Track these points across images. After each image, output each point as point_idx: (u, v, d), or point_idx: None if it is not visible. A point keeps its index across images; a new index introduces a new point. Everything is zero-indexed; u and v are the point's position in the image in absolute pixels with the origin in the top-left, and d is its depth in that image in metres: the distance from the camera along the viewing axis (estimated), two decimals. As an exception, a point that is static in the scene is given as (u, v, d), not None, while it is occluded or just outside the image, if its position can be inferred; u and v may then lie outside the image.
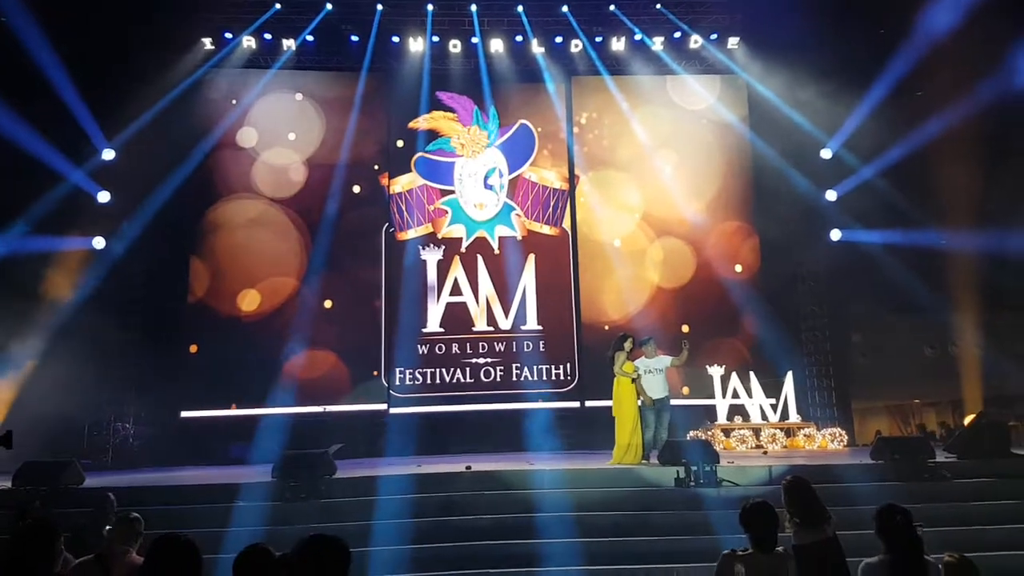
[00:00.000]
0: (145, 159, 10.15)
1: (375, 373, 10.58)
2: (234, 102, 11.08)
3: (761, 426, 9.68)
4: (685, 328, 10.89)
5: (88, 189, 10.14)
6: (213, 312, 10.50)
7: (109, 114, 10.15)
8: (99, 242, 10.10)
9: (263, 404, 9.94)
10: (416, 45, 11.24)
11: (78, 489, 6.39)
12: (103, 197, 10.25)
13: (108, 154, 10.25)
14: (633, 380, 7.43)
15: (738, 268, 11.21)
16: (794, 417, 9.85)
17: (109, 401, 9.84)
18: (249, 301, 10.60)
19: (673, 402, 10.22)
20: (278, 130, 11.09)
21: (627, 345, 7.58)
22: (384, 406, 10.48)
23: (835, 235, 10.92)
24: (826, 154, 11.09)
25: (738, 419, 9.84)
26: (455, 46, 11.30)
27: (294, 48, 11.15)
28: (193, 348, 10.42)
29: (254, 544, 2.61)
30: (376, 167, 11.23)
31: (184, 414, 10.18)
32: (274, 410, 9.94)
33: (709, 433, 9.58)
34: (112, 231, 10.09)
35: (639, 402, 7.41)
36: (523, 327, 10.90)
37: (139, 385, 10.14)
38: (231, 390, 10.14)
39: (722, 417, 9.79)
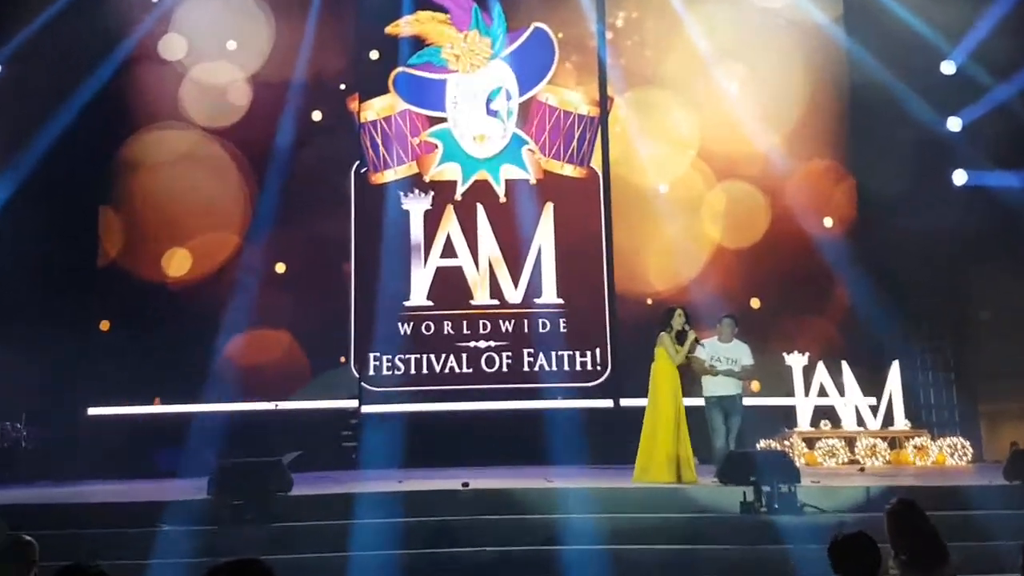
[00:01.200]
0: (38, 76, 10.07)
1: (342, 360, 10.57)
2: (154, 0, 10.89)
3: (857, 434, 9.67)
4: (755, 302, 10.78)
5: (-39, 116, 10.00)
6: (130, 278, 10.47)
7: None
8: (-23, 187, 10.00)
9: (196, 399, 9.92)
10: (398, -79, 11.01)
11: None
12: (-18, 126, 10.13)
13: (-8, 69, 10.13)
14: (716, 371, 7.49)
15: (828, 222, 11.06)
16: (901, 423, 9.83)
17: (-6, 395, 9.80)
18: (177, 264, 10.56)
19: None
20: (214, 37, 10.95)
21: (675, 322, 7.48)
22: (355, 403, 10.48)
23: (959, 178, 10.78)
24: (948, 68, 10.87)
25: (826, 424, 9.81)
26: (450, -78, 11.05)
27: (234, -74, 10.92)
28: (104, 325, 10.43)
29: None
30: (342, 87, 11.11)
31: (93, 411, 10.20)
32: (210, 407, 9.90)
33: (787, 443, 9.57)
34: (-3, 170, 9.98)
35: (701, 397, 7.37)
36: (538, 300, 10.84)
37: (34, 374, 10.07)
38: (154, 380, 10.16)
39: (804, 422, 9.76)
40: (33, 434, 9.86)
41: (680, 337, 7.57)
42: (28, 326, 10.09)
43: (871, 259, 10.70)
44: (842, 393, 9.78)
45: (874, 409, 9.76)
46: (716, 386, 7.66)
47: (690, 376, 7.90)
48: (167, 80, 10.88)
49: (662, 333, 7.58)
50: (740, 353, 7.73)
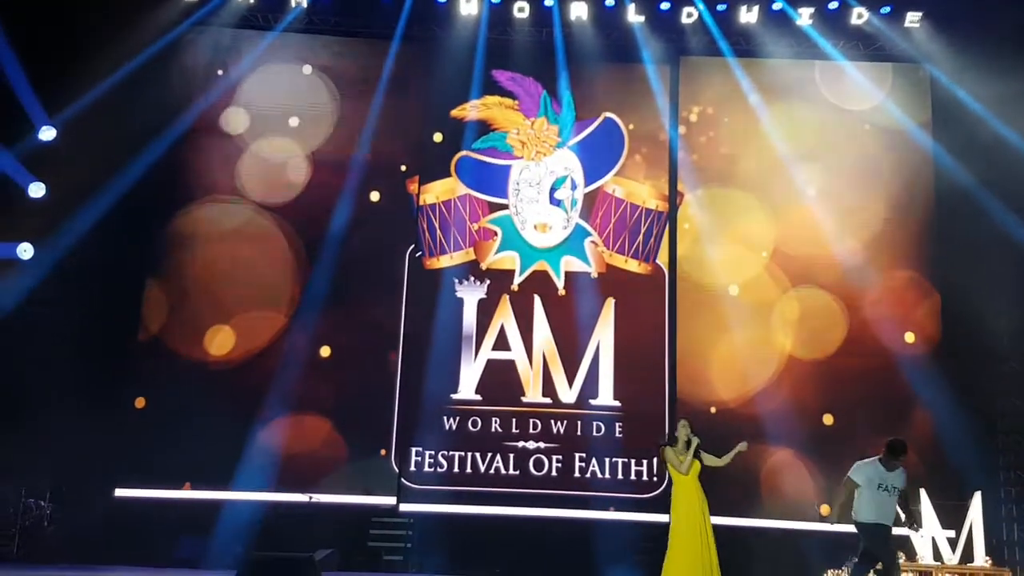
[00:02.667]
0: (96, 143, 10.40)
1: (383, 452, 10.57)
2: (220, 73, 11.45)
3: (934, 568, 9.31)
4: (828, 419, 10.62)
5: (17, 179, 10.48)
6: (170, 355, 10.67)
7: (52, 81, 10.54)
8: (26, 250, 10.40)
9: (227, 485, 9.99)
10: (469, 7, 11.48)
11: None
12: (36, 190, 10.59)
13: (47, 134, 10.61)
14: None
15: (909, 338, 10.92)
16: (981, 559, 9.42)
17: (19, 469, 9.98)
18: (220, 342, 10.75)
19: (806, 527, 10.09)
20: (277, 113, 11.40)
21: (680, 433, 7.34)
22: (393, 499, 10.43)
23: (1051, 296, 10.56)
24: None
25: (900, 557, 9.42)
26: (521, 10, 11.49)
27: (304, 4, 11.48)
28: (140, 402, 10.58)
29: None
30: (403, 168, 11.40)
31: (120, 492, 10.26)
32: (242, 495, 9.97)
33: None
34: (45, 236, 10.39)
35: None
36: (593, 402, 10.80)
37: (63, 449, 10.25)
38: (186, 463, 10.21)
39: (878, 553, 9.40)
40: (58, 514, 9.98)
41: (697, 451, 7.36)
42: (61, 398, 10.34)
43: (955, 381, 10.49)
44: (919, 524, 9.45)
45: (952, 543, 9.39)
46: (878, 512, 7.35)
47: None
48: (226, 153, 11.25)
49: (663, 447, 7.41)
50: (900, 480, 7.47)
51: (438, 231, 11.29)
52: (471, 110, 11.51)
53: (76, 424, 10.15)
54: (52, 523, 9.89)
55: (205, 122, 11.29)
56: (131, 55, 10.79)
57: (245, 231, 11.06)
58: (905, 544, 9.50)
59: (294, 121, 11.37)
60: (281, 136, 11.31)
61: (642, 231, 11.30)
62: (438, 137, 11.49)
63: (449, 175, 11.39)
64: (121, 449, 10.24)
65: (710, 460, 7.39)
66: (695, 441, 7.30)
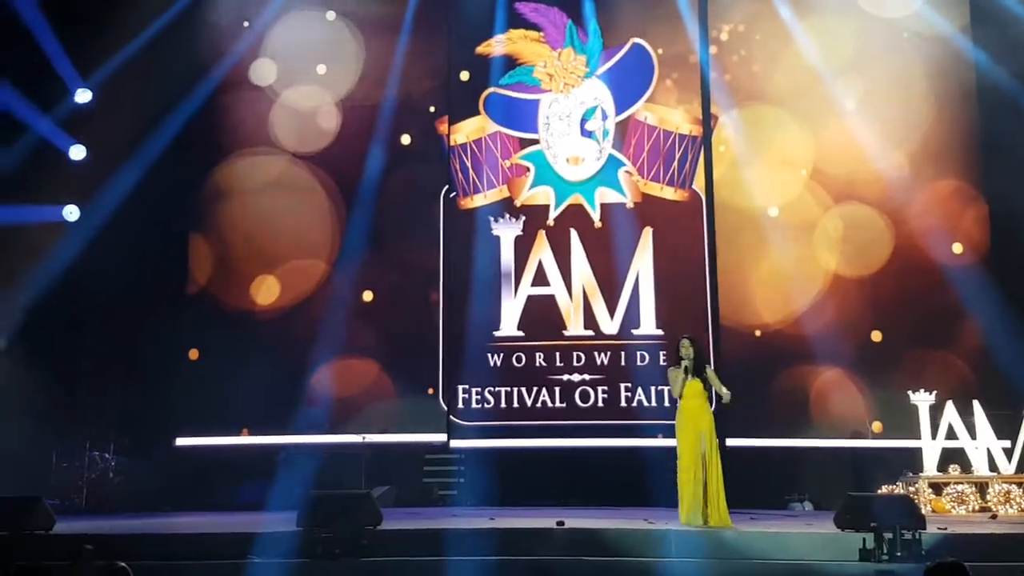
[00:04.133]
0: (130, 103, 10.52)
1: (430, 391, 10.73)
2: (246, 25, 11.43)
3: (990, 479, 9.33)
4: (876, 335, 10.51)
5: (58, 143, 10.67)
6: (219, 306, 10.89)
7: (85, 44, 10.68)
8: (71, 212, 10.64)
9: (284, 430, 10.26)
10: (489, -61, 11.32)
11: (47, 535, 6.75)
12: (77, 153, 10.79)
13: (83, 96, 10.78)
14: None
15: (957, 248, 10.73)
16: (1039, 468, 9.38)
17: (83, 423, 10.31)
18: (266, 292, 10.94)
19: (860, 444, 10.08)
20: (304, 62, 11.38)
21: (683, 352, 7.50)
22: (443, 437, 10.61)
23: (1102, 198, 10.29)
24: (1089, 80, 10.50)
25: (955, 469, 9.47)
26: (543, -62, 11.30)
27: (324, -51, 11.41)
28: (193, 354, 10.82)
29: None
30: (432, 109, 11.38)
31: (180, 442, 10.56)
32: (299, 438, 10.24)
33: (911, 488, 9.32)
34: (89, 198, 10.60)
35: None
36: (636, 332, 10.81)
37: (122, 403, 10.63)
38: (242, 411, 10.47)
39: (931, 466, 9.45)
40: (121, 465, 10.29)
41: (699, 370, 7.51)
42: (117, 354, 10.68)
43: (1006, 289, 10.32)
44: (973, 435, 9.43)
45: (1008, 453, 9.37)
46: None
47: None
48: (257, 106, 11.32)
49: (668, 368, 7.64)
50: None
51: (471, 170, 11.28)
52: (496, 45, 11.37)
53: (134, 378, 10.54)
54: (117, 474, 10.21)
55: (235, 76, 11.33)
56: (158, 13, 10.85)
57: (282, 181, 11.16)
58: (960, 456, 9.50)
59: (321, 68, 11.35)
60: (310, 84, 11.31)
61: (676, 157, 11.16)
62: (465, 75, 11.41)
63: (478, 113, 11.33)
64: (179, 399, 10.51)
65: (715, 380, 7.56)
66: (685, 363, 7.40)
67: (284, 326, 10.73)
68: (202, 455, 10.44)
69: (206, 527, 7.62)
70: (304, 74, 11.35)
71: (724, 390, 7.53)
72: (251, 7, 11.44)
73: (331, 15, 11.47)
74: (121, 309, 10.80)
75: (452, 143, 11.27)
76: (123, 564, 3.97)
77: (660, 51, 11.32)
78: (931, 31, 11.03)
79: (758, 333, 10.60)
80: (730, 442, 10.18)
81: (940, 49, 11.03)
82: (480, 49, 11.40)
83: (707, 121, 11.15)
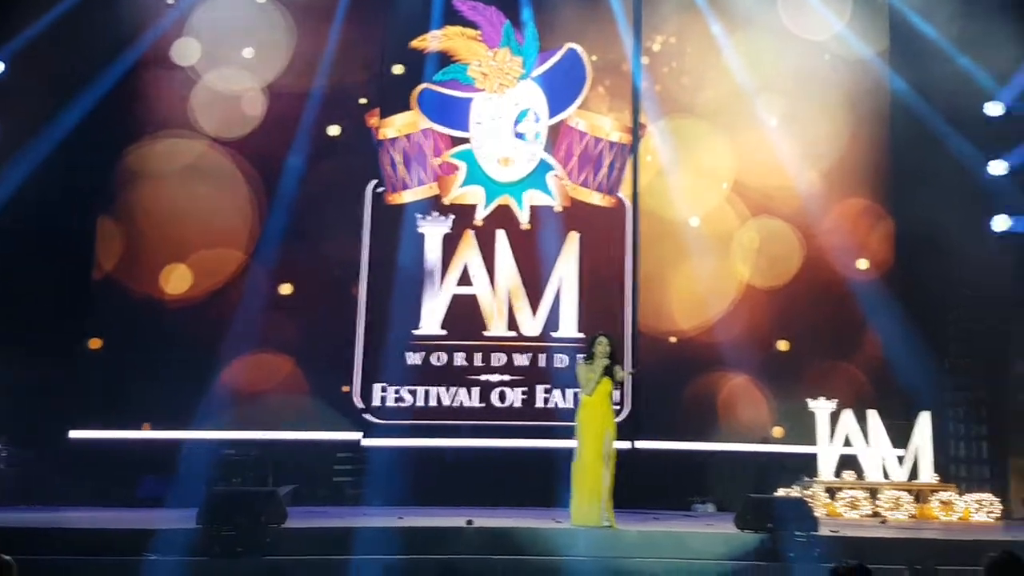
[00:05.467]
0: (45, 77, 10.20)
1: (345, 389, 10.60)
2: (170, 2, 11.12)
3: (881, 485, 9.74)
4: (783, 345, 10.87)
5: (-36, 115, 10.20)
6: (126, 293, 10.54)
7: (-1, 13, 10.24)
8: (-23, 188, 10.18)
9: (187, 425, 9.95)
10: (428, -68, 11.26)
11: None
12: (-12, 127, 10.34)
13: (-5, 68, 10.32)
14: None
15: (863, 264, 11.12)
16: (928, 475, 9.87)
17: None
18: (177, 280, 10.62)
19: (762, 449, 10.40)
20: (229, 44, 11.09)
21: (597, 350, 7.61)
22: (358, 435, 10.50)
23: (1000, 223, 10.90)
24: (995, 110, 11.00)
25: (849, 475, 9.86)
26: (481, -64, 11.30)
27: (256, -70, 11.15)
28: (95, 343, 10.47)
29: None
30: (363, 101, 11.23)
31: (76, 434, 10.18)
32: (203, 434, 9.93)
33: (808, 492, 9.65)
34: (-3, 174, 10.15)
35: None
36: (556, 334, 10.89)
37: (16, 391, 10.14)
38: (144, 404, 10.15)
39: (827, 472, 9.82)
40: (13, 456, 9.86)
41: (610, 369, 7.61)
42: (14, 339, 10.18)
43: (906, 305, 10.78)
44: (868, 442, 9.85)
45: (901, 461, 9.82)
46: None
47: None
48: (177, 86, 10.97)
49: (579, 363, 7.76)
50: None
51: (400, 166, 11.19)
52: (432, 41, 11.29)
53: (30, 366, 10.02)
54: (7, 465, 9.77)
55: (155, 54, 10.96)
56: (79, -16, 10.51)
57: (200, 166, 10.83)
58: (854, 462, 9.89)
59: (248, 52, 11.06)
60: (235, 68, 11.01)
61: (605, 164, 11.28)
62: (398, 69, 11.30)
63: (410, 108, 11.23)
64: (77, 391, 10.16)
65: (621, 375, 7.72)
66: (603, 363, 7.47)
67: (195, 317, 10.42)
68: (99, 449, 10.06)
69: (100, 522, 7.42)
70: (229, 57, 11.05)
71: (624, 373, 7.77)
72: (177, -17, 11.14)
73: (260, -4, 11.24)
74: (21, 291, 10.33)
75: (382, 137, 11.16)
76: (8, 557, 3.75)
77: (594, 58, 11.42)
78: (851, 54, 11.39)
79: (673, 339, 10.81)
80: (640, 444, 10.46)
81: (859, 72, 11.40)
82: (415, 43, 11.30)
83: (636, 129, 11.31)
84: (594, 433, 7.54)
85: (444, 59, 11.31)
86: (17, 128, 10.25)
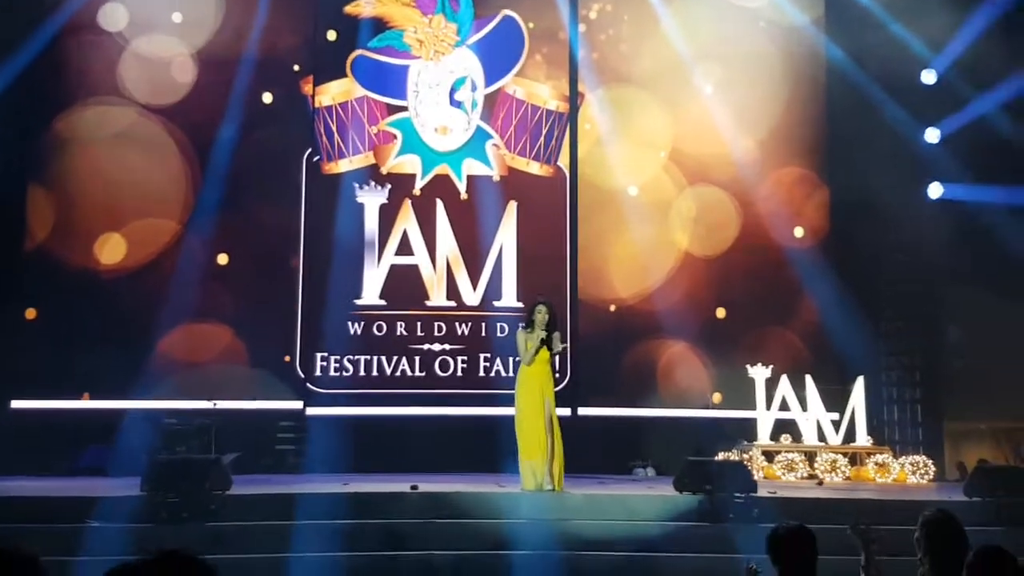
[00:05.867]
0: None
1: (287, 359, 10.70)
2: (96, -35, 10.93)
3: (817, 449, 10.04)
4: (720, 312, 11.23)
5: None
6: (59, 264, 10.45)
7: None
8: None
9: (127, 395, 9.98)
10: None
11: None
12: (-98, 96, 10.10)
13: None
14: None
15: (799, 232, 11.50)
16: (863, 439, 10.22)
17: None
18: (111, 250, 10.56)
19: (701, 414, 10.73)
20: (158, 8, 10.93)
21: (537, 319, 7.75)
22: (299, 404, 10.62)
23: (935, 191, 11.21)
24: (929, 78, 11.31)
25: (786, 439, 10.18)
26: (416, -100, 11.29)
27: None
28: (30, 313, 10.38)
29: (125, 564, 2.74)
30: (296, 68, 11.20)
31: (16, 404, 10.16)
32: (143, 403, 9.99)
33: (746, 456, 9.91)
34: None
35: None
36: (497, 303, 11.09)
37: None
38: (83, 374, 10.12)
39: (765, 436, 10.14)
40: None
41: (546, 340, 7.71)
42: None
43: (841, 272, 11.15)
44: (804, 408, 10.11)
45: (836, 425, 10.10)
46: None
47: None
48: (105, 53, 10.79)
49: (519, 330, 7.89)
50: None
51: (336, 134, 11.21)
52: (365, 6, 11.26)
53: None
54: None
55: (82, 19, 10.73)
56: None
57: (131, 134, 10.71)
58: (792, 427, 10.26)
59: (177, 17, 10.88)
60: (163, 33, 10.84)
61: (543, 133, 11.44)
62: (332, 35, 11.28)
63: (345, 75, 11.23)
64: (14, 361, 10.07)
65: (559, 347, 7.84)
66: (541, 334, 7.59)
67: (130, 287, 10.39)
68: (39, 419, 10.07)
69: (42, 491, 7.45)
70: (158, 22, 10.86)
71: (561, 345, 7.89)
72: (102, -54, 10.95)
73: (190, -39, 11.12)
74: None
75: (317, 104, 11.14)
76: (32, 550, 3.82)
77: (531, 25, 11.52)
78: (786, 21, 11.65)
79: (613, 307, 11.10)
80: (581, 411, 10.74)
81: (794, 40, 11.69)
82: (349, 8, 11.26)
83: (574, 98, 11.48)
84: (533, 400, 7.68)
85: (379, 25, 11.29)
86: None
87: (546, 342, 7.70)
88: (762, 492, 7.26)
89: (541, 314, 7.74)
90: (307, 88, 11.18)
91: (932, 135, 11.28)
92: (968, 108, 10.98)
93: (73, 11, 10.73)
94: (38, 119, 10.67)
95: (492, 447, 9.58)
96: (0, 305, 10.14)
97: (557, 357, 8.03)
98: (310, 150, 11.11)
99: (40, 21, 10.51)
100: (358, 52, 11.26)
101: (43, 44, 10.52)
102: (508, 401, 10.50)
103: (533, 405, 7.65)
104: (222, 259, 10.75)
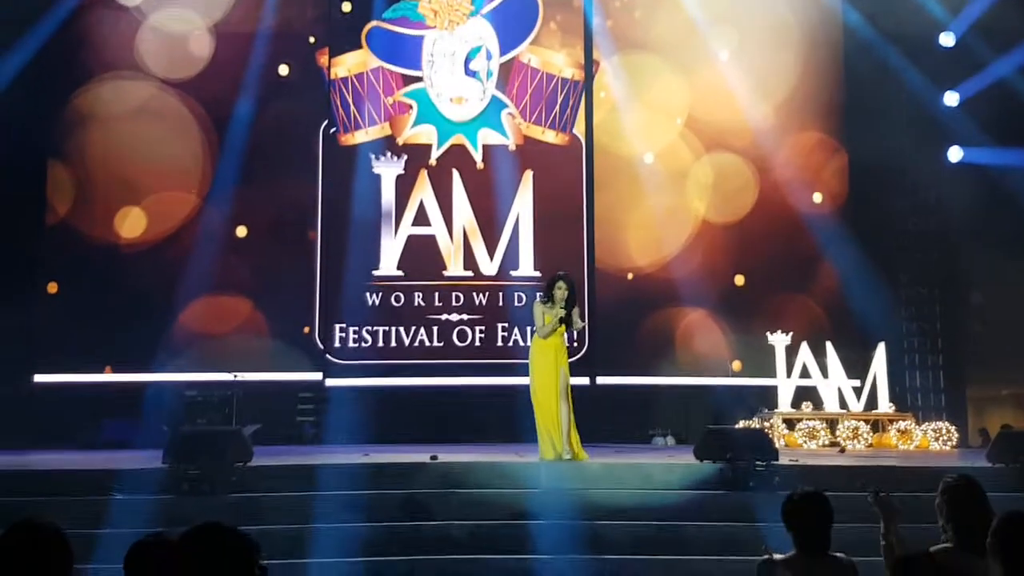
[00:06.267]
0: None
1: (306, 330, 10.69)
2: (112, -59, 10.82)
3: (839, 416, 9.94)
4: (739, 279, 11.09)
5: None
6: (80, 238, 10.48)
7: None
8: (-83, 135, 9.96)
9: (149, 368, 10.01)
10: None
11: None
12: (-77, 72, 10.06)
13: (-71, 10, 10.05)
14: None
15: (817, 198, 11.32)
16: (885, 406, 10.12)
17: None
18: (131, 224, 10.57)
19: (720, 382, 10.63)
20: (173, -18, 10.90)
21: (557, 294, 7.48)
22: (319, 375, 10.61)
23: (955, 155, 11.07)
24: (947, 40, 11.13)
25: (807, 406, 10.08)
26: None
27: None
28: (52, 287, 10.44)
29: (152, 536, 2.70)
30: (312, 40, 11.13)
31: (39, 378, 10.23)
32: (165, 376, 10.03)
33: (767, 424, 9.83)
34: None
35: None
36: (514, 273, 11.00)
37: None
38: (104, 347, 10.20)
39: (785, 403, 10.04)
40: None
41: (566, 319, 7.46)
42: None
43: (861, 237, 10.98)
44: (825, 375, 10.01)
45: (858, 391, 10.00)
46: None
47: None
48: (123, 28, 10.77)
49: (536, 302, 7.67)
50: None
51: (352, 106, 11.10)
52: (380, -23, 11.16)
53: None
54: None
55: (99, -5, 10.76)
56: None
57: (149, 108, 10.70)
58: (813, 394, 10.15)
59: (193, -10, 10.89)
60: (181, 7, 10.81)
61: (559, 101, 11.28)
62: (347, 7, 11.14)
63: (360, 47, 11.11)
64: (37, 336, 10.15)
65: (579, 325, 7.68)
66: (560, 312, 7.36)
67: (151, 260, 10.40)
68: (62, 392, 10.12)
69: (65, 464, 7.46)
70: (174, -4, 10.87)
71: (580, 323, 7.74)
72: (118, -77, 10.85)
73: (205, -65, 10.99)
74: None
75: (333, 76, 11.05)
76: (53, 523, 3.84)
77: (546, -8, 11.34)
78: (802, -16, 11.42)
79: (630, 276, 10.97)
80: (600, 380, 10.65)
81: (810, 3, 11.45)
82: (363, -20, 11.16)
83: (589, 66, 11.30)
84: (548, 371, 7.51)
85: (393, -5, 11.18)
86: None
87: (565, 320, 7.48)
88: (783, 460, 7.15)
89: (561, 290, 7.48)
90: (323, 60, 11.08)
91: (951, 99, 11.15)
92: (987, 71, 10.84)
93: (90, -14, 10.70)
94: (57, 95, 10.65)
95: (511, 416, 9.47)
96: (22, 279, 10.21)
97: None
98: (326, 122, 11.02)
99: (56, -1, 10.45)
100: (373, 23, 11.13)
101: (61, 20, 10.53)
102: (526, 371, 10.48)
103: (549, 374, 7.50)
104: (241, 231, 10.73)
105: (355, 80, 11.12)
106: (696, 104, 11.27)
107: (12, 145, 10.13)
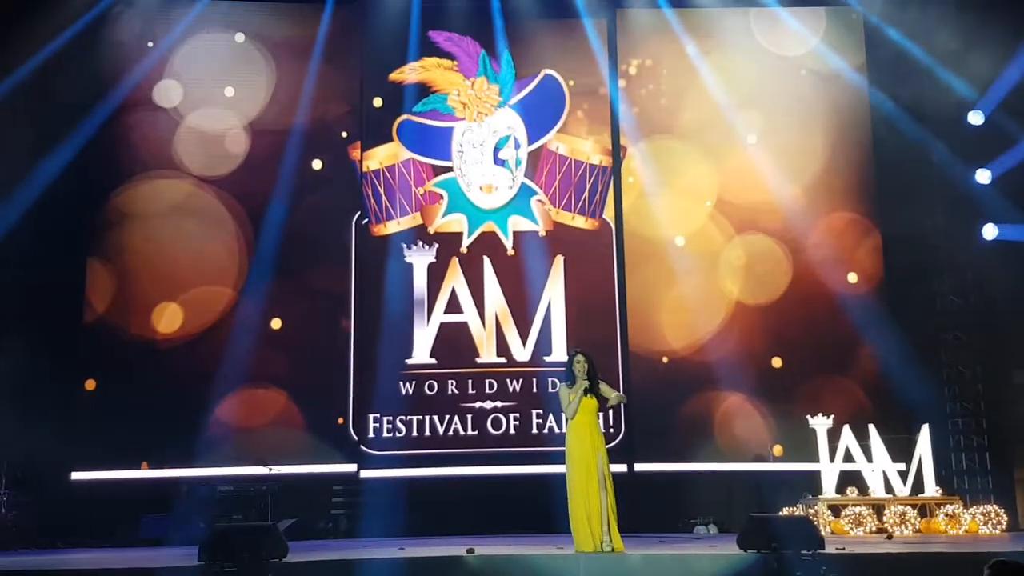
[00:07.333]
0: (26, 123, 10.41)
1: (340, 421, 10.69)
2: (150, 45, 11.33)
3: (885, 501, 9.71)
4: (776, 362, 10.96)
5: (-54, 163, 10.33)
6: (119, 334, 10.66)
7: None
8: (-40, 236, 10.26)
9: (186, 463, 10.06)
10: (402, -33, 11.49)
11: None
12: (-29, 173, 10.45)
13: (-26, 116, 10.46)
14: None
15: (852, 278, 11.26)
16: (931, 489, 9.86)
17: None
18: (168, 319, 10.76)
19: (762, 468, 10.43)
20: (211, 84, 11.33)
21: (577, 369, 7.25)
22: (353, 467, 10.58)
23: (989, 232, 10.97)
24: (976, 119, 11.17)
25: (853, 491, 9.86)
26: (456, -32, 11.54)
27: (232, -29, 11.42)
28: (90, 384, 10.57)
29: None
30: (344, 135, 11.44)
31: (77, 476, 10.28)
32: (200, 471, 10.06)
33: (811, 510, 9.63)
34: (-21, 221, 10.27)
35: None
36: (547, 358, 11.00)
37: (16, 436, 10.19)
38: (142, 443, 10.25)
39: (830, 489, 9.80)
40: (14, 500, 9.89)
41: (592, 386, 7.17)
42: (10, 385, 10.25)
43: (899, 317, 10.88)
44: (869, 458, 9.80)
45: (903, 475, 9.76)
46: None
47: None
48: (161, 128, 11.17)
49: (561, 386, 7.40)
50: None
51: (383, 197, 11.35)
52: (410, 73, 11.52)
53: (28, 410, 10.09)
54: (9, 510, 9.82)
55: (137, 96, 11.18)
56: (58, 31, 10.67)
57: (186, 206, 11.01)
58: (858, 478, 9.92)
59: (229, 91, 11.29)
60: (217, 107, 11.24)
61: (587, 187, 11.46)
62: (378, 102, 11.50)
63: (391, 140, 11.42)
64: (75, 433, 10.20)
65: (608, 392, 7.29)
66: (583, 384, 7.13)
67: (187, 355, 10.55)
68: (99, 489, 10.16)
69: (103, 563, 7.42)
70: (211, 97, 11.28)
71: (615, 394, 7.40)
72: (156, 27, 11.34)
73: (240, 37, 11.45)
74: (14, 336, 10.40)
75: (365, 169, 11.33)
76: None
77: (571, 82, 11.63)
78: (827, 69, 11.63)
79: (665, 359, 10.93)
80: (637, 467, 10.51)
81: (836, 86, 11.63)
82: (393, 76, 11.52)
83: (616, 152, 11.51)
84: (583, 456, 7.23)
85: (423, 90, 11.53)
86: (3, 174, 10.39)
87: (591, 389, 7.34)
88: (830, 548, 6.95)
89: (579, 363, 7.27)
90: (355, 153, 11.37)
91: (983, 176, 11.10)
92: (1018, 148, 10.80)
93: (129, 89, 11.15)
94: (96, 194, 10.99)
95: (547, 506, 9.33)
96: (61, 377, 10.33)
97: (610, 411, 7.69)
98: (359, 213, 11.25)
99: (97, 100, 10.91)
100: (403, 117, 11.47)
101: (100, 122, 10.91)
102: (562, 458, 10.34)
103: (584, 459, 7.20)
104: (275, 324, 10.85)
105: (386, 172, 11.39)
106: (725, 187, 11.39)
107: (53, 244, 10.49)
